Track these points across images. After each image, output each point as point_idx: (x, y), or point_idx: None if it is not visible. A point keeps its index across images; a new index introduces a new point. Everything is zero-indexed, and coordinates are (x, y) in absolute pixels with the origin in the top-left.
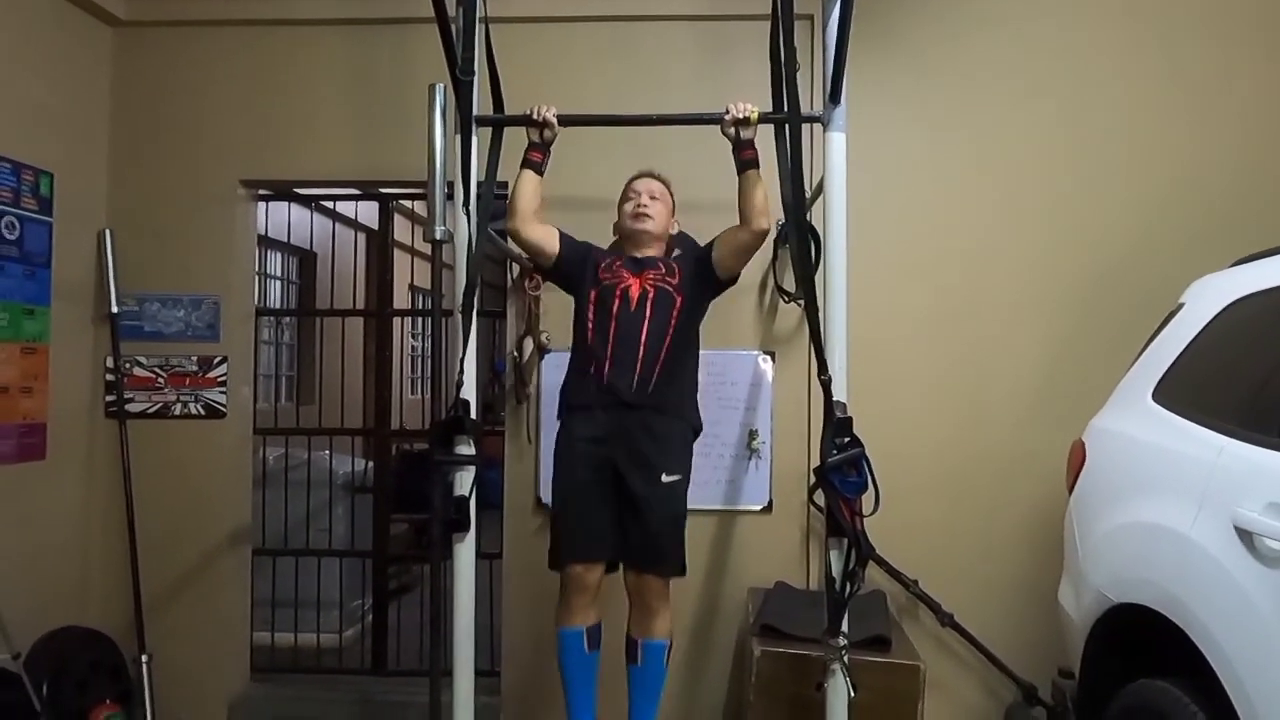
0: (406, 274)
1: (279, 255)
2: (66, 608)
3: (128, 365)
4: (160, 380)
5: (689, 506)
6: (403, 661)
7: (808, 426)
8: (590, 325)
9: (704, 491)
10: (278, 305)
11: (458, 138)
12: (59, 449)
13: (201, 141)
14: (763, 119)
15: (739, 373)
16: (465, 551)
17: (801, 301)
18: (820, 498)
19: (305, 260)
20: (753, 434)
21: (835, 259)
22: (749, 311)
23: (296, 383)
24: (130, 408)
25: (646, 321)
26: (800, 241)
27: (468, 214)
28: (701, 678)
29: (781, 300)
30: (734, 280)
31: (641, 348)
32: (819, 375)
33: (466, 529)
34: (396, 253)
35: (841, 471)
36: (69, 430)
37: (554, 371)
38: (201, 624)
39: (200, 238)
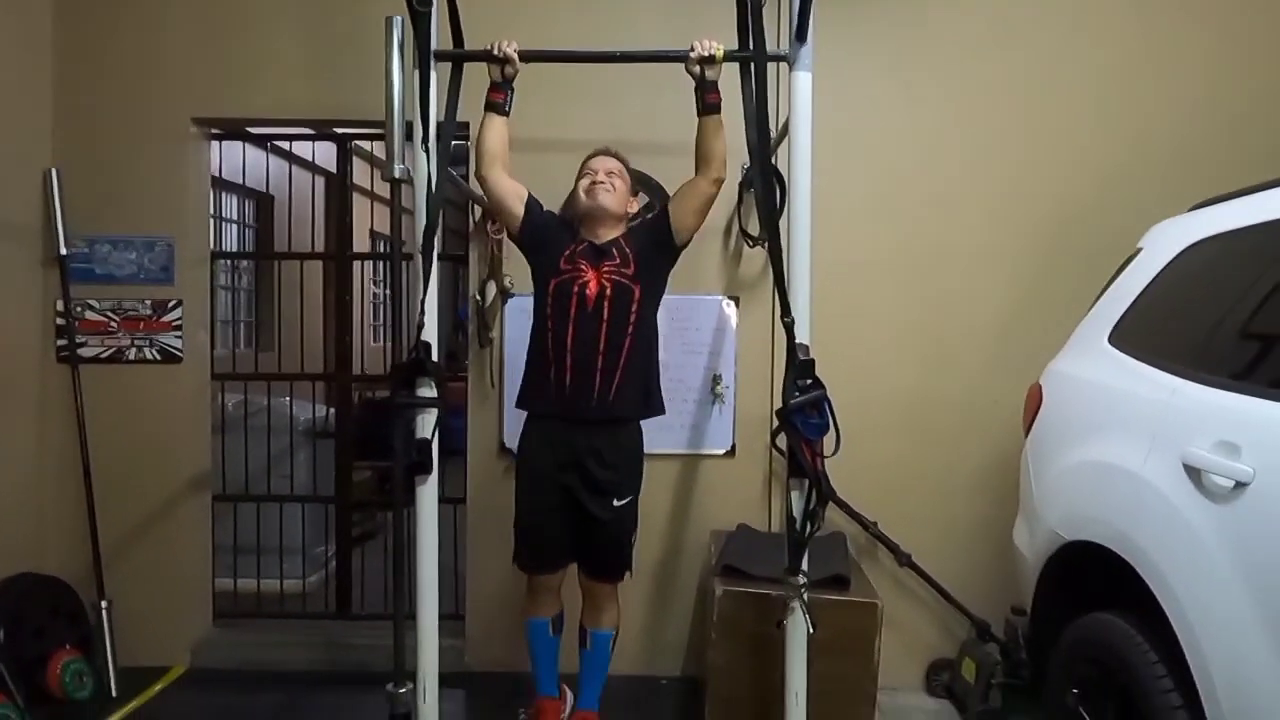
0: (366, 219)
1: (235, 198)
2: (23, 555)
3: (79, 309)
4: (113, 324)
5: (655, 450)
6: (367, 606)
7: (771, 371)
8: (550, 323)
9: (668, 436)
10: (235, 249)
11: (416, 73)
12: (9, 394)
13: (152, 77)
14: (728, 57)
15: (703, 318)
16: (428, 494)
17: (765, 245)
18: (783, 441)
19: (262, 204)
20: (716, 379)
21: (799, 201)
22: (713, 256)
23: (255, 329)
24: (83, 352)
25: (605, 325)
26: (765, 183)
27: (427, 152)
28: (665, 618)
29: (746, 245)
30: (686, 245)
31: (600, 357)
32: (782, 318)
33: (429, 471)
34: (356, 197)
35: (803, 413)
36: (19, 375)
37: (517, 315)
38: (162, 570)
39: (152, 177)
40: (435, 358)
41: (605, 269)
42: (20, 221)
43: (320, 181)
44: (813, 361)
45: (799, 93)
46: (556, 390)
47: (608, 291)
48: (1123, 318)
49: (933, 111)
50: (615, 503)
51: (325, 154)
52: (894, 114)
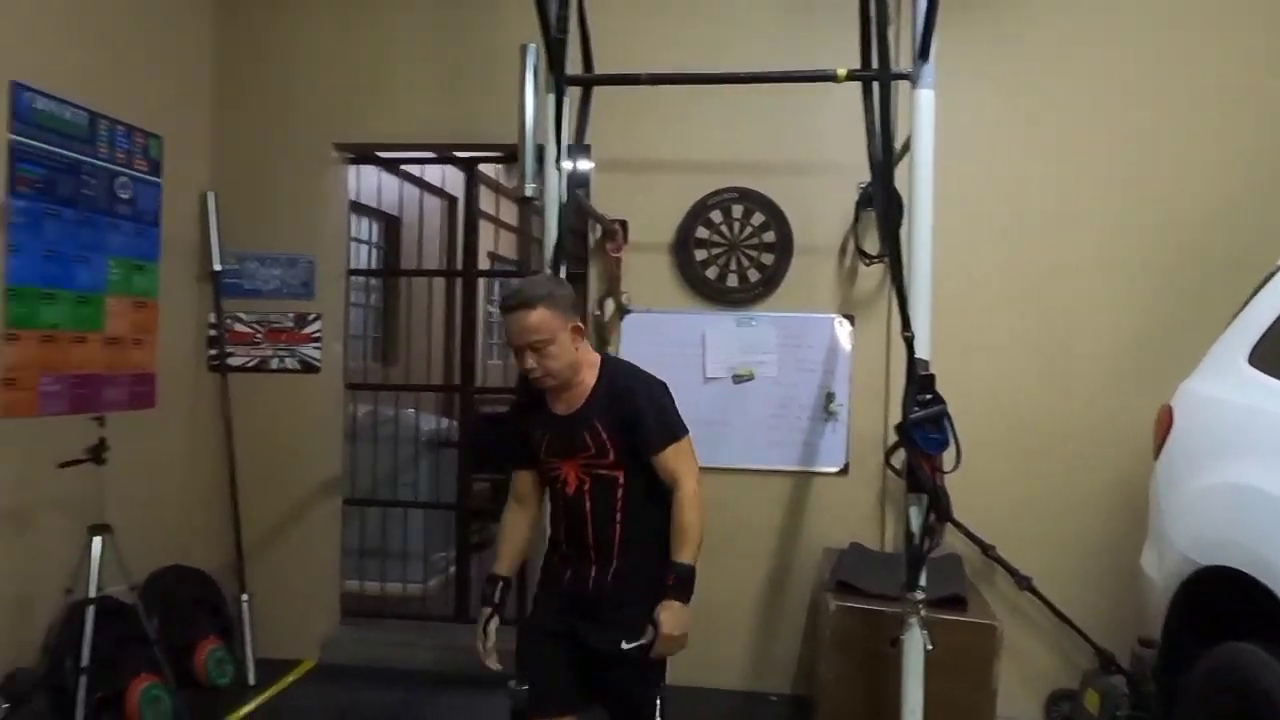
0: (484, 241)
1: (365, 220)
2: (173, 548)
3: (229, 321)
4: (259, 336)
5: (765, 466)
6: None
7: (885, 390)
8: (549, 493)
9: (780, 452)
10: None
11: (549, 97)
12: (167, 399)
13: (298, 106)
14: (851, 76)
15: (816, 336)
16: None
17: (882, 261)
18: (898, 460)
19: (389, 225)
20: (830, 396)
21: (921, 216)
22: (827, 275)
23: (382, 343)
24: (231, 361)
25: (589, 513)
26: (886, 200)
27: (559, 170)
28: (774, 634)
29: (862, 263)
30: None
31: (590, 538)
32: (902, 332)
33: None
34: (465, 219)
35: (923, 428)
36: (175, 381)
37: (634, 330)
38: (297, 567)
39: (296, 199)
40: None
41: (580, 460)
42: (181, 239)
43: (442, 205)
44: (933, 377)
45: (922, 110)
46: (559, 569)
47: (587, 485)
48: (1263, 338)
49: (1051, 125)
50: (625, 644)
51: (446, 178)
52: (1012, 129)
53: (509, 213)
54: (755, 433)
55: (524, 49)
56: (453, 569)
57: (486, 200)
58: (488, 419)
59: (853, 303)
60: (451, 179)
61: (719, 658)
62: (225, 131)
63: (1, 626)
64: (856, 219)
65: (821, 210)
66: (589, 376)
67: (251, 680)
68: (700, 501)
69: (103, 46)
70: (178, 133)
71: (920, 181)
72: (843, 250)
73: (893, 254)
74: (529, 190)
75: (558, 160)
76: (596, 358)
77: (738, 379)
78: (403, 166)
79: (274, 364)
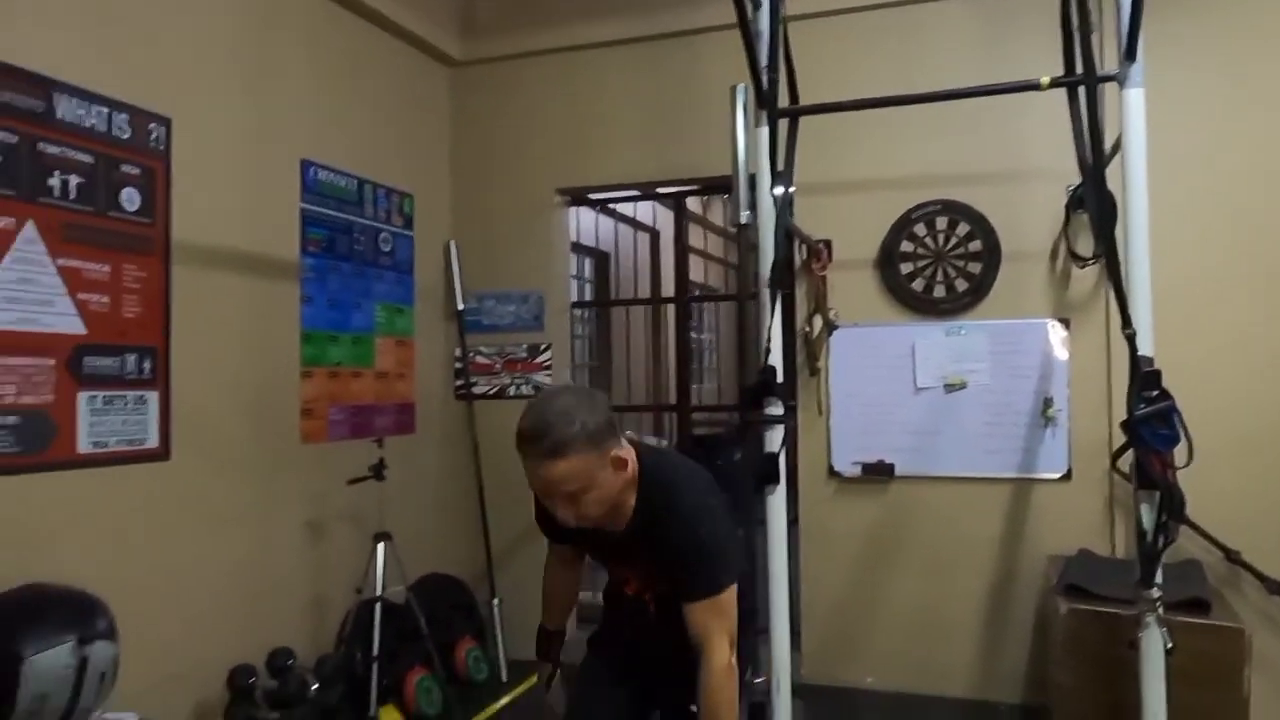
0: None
1: (578, 257)
2: (433, 556)
3: (472, 354)
4: (497, 366)
5: (983, 474)
6: None
7: (1107, 394)
8: (608, 585)
9: (998, 459)
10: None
11: (759, 130)
12: (424, 424)
13: (523, 158)
14: (1055, 83)
15: (1030, 341)
16: (777, 505)
17: (1097, 263)
18: (1124, 463)
19: (599, 261)
20: (1048, 402)
21: (1136, 215)
22: (1039, 279)
23: (600, 371)
24: (475, 390)
25: (655, 614)
26: (1099, 200)
27: (774, 197)
28: (1000, 643)
29: (1075, 266)
30: None
31: (653, 645)
32: (1123, 329)
33: (777, 481)
34: (675, 249)
35: (1151, 424)
36: (430, 409)
37: (843, 345)
38: (538, 575)
39: (525, 241)
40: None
41: (637, 572)
42: (430, 284)
43: (645, 239)
44: (1159, 373)
45: (1132, 111)
46: (619, 620)
47: (646, 594)
48: None
49: (1273, 110)
50: (694, 707)
51: (647, 215)
52: (1231, 119)
53: (708, 243)
54: (971, 441)
55: (734, 89)
56: None
57: (690, 232)
58: (698, 440)
59: (1067, 306)
60: (653, 214)
61: (945, 666)
62: (462, 186)
63: (306, 620)
64: (1067, 221)
65: (1028, 216)
66: (629, 497)
67: (504, 678)
68: (733, 677)
69: (365, 124)
70: (425, 190)
71: (1134, 181)
72: (1053, 254)
73: (1109, 255)
74: (744, 218)
75: (772, 188)
76: (635, 469)
77: (949, 388)
78: (613, 205)
79: (511, 391)
